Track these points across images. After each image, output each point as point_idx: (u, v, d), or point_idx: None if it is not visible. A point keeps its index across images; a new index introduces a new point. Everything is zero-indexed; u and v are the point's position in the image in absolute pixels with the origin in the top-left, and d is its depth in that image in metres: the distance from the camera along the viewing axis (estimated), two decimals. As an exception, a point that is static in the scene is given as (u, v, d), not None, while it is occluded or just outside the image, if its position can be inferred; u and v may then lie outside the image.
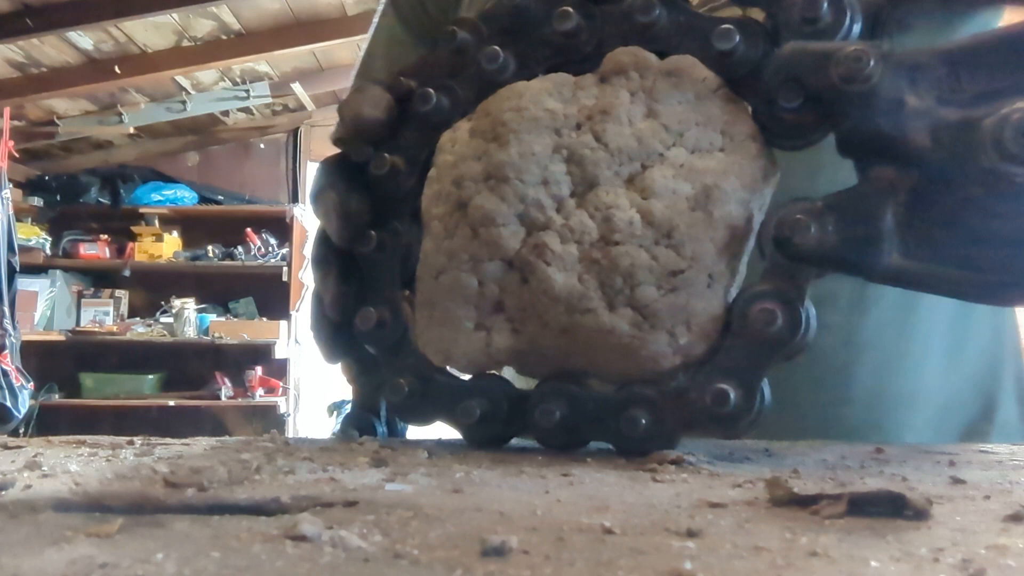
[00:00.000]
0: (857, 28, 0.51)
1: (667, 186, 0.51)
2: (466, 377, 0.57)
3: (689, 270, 0.51)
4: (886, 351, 0.76)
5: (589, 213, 0.52)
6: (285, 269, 5.15)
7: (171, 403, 4.98)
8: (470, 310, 0.54)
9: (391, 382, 0.57)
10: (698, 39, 0.53)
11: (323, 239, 0.61)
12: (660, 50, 0.54)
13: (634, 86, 0.54)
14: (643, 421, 0.50)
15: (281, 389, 5.15)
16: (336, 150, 0.62)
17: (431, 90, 0.58)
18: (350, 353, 0.63)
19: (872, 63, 0.47)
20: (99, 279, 5.33)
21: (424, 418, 0.57)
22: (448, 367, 0.56)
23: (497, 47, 0.56)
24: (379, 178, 0.59)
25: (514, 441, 0.57)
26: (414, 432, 0.65)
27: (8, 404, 4.03)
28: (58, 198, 5.12)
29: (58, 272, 5.13)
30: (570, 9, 0.55)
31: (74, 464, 0.47)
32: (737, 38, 0.51)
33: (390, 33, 0.99)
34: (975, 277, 0.48)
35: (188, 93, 4.82)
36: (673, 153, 0.52)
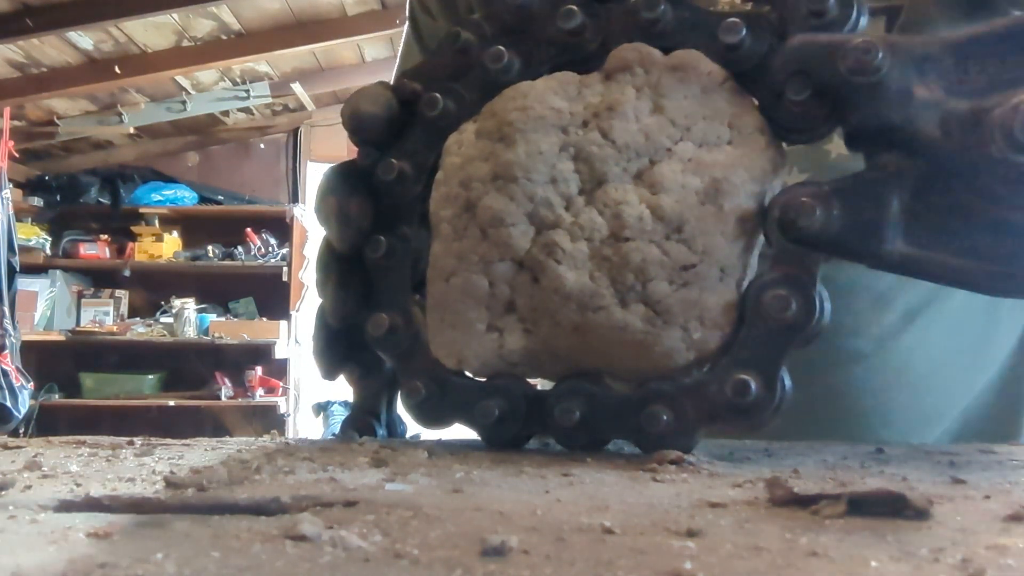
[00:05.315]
0: (864, 20, 0.51)
1: (676, 181, 0.51)
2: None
3: (700, 264, 0.51)
4: (920, 370, 0.77)
5: (598, 210, 0.52)
6: (285, 269, 5.14)
7: (171, 403, 4.97)
8: (481, 312, 0.54)
9: (407, 385, 0.57)
10: (704, 33, 0.53)
11: (326, 246, 0.61)
12: (666, 46, 0.54)
13: (639, 82, 0.53)
14: (664, 417, 0.50)
15: (281, 389, 5.15)
16: (339, 155, 0.62)
17: (437, 94, 0.58)
18: (349, 364, 0.63)
19: (880, 55, 0.47)
20: (99, 279, 5.33)
21: (442, 420, 0.57)
22: (461, 370, 0.56)
23: (501, 47, 0.56)
24: (387, 183, 0.59)
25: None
26: (413, 432, 0.65)
27: (8, 404, 4.03)
28: (58, 198, 5.11)
29: (58, 272, 5.12)
30: (574, 7, 0.55)
31: (74, 464, 0.47)
32: (743, 31, 0.51)
33: (410, 53, 1.00)
34: (982, 267, 0.48)
35: (188, 93, 4.82)
36: (681, 148, 0.52)
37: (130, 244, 5.18)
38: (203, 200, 5.30)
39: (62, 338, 4.97)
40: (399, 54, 1.00)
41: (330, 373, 0.63)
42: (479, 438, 0.56)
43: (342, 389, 4.23)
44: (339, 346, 0.62)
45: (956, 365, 0.79)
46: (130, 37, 4.08)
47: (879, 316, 0.76)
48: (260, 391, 5.05)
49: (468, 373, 0.56)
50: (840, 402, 0.75)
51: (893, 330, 0.76)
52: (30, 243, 4.85)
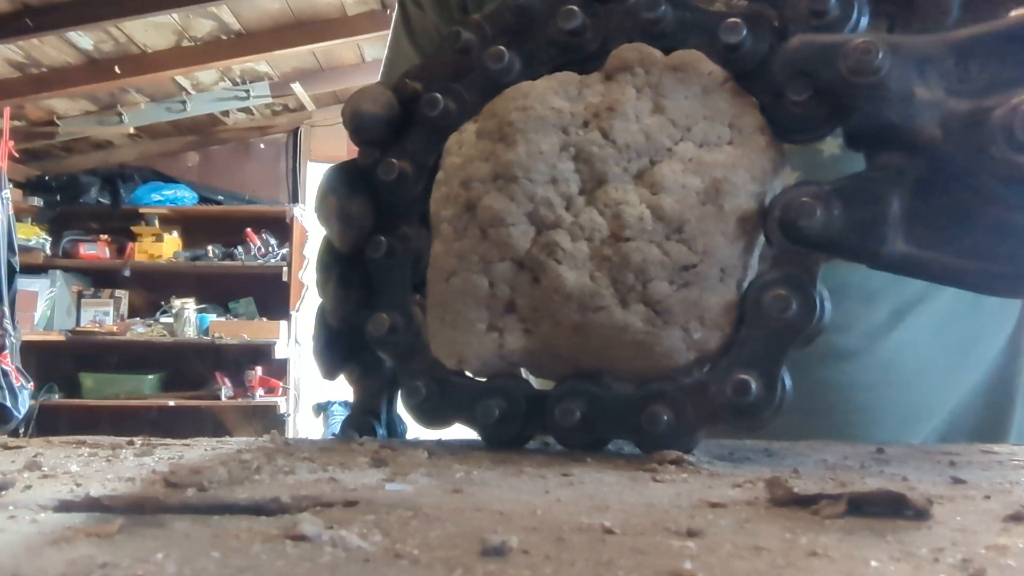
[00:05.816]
0: (865, 20, 0.51)
1: (676, 181, 0.51)
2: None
3: (701, 264, 0.51)
4: (909, 368, 0.78)
5: (599, 210, 0.52)
6: (285, 269, 5.14)
7: (171, 403, 4.97)
8: (482, 311, 0.54)
9: (407, 385, 0.57)
10: (704, 33, 0.53)
11: (327, 246, 0.61)
12: (666, 46, 0.54)
13: (640, 82, 0.53)
14: (664, 417, 0.50)
15: (281, 389, 5.15)
16: (339, 155, 0.62)
17: (438, 94, 0.58)
18: (349, 364, 0.63)
19: (881, 55, 0.47)
20: (99, 279, 5.33)
21: (442, 420, 0.57)
22: (461, 370, 0.56)
23: (502, 47, 0.56)
24: (387, 183, 0.59)
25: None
26: (414, 432, 0.65)
27: (8, 404, 4.03)
28: (58, 198, 5.11)
29: (58, 272, 5.12)
30: (575, 7, 0.55)
31: (74, 464, 0.47)
32: (744, 31, 0.51)
33: (399, 46, 0.99)
34: (982, 267, 0.48)
35: (188, 93, 4.82)
36: (681, 148, 0.52)
37: (130, 244, 5.19)
38: (203, 200, 5.30)
39: (62, 338, 4.97)
40: (387, 47, 0.99)
41: (330, 373, 0.63)
42: (479, 438, 0.56)
43: (342, 389, 4.24)
44: (339, 346, 0.62)
45: (944, 363, 0.80)
46: (130, 37, 4.08)
47: (869, 314, 0.76)
48: (260, 391, 5.05)
49: (468, 373, 0.56)
50: (830, 399, 0.76)
51: (882, 328, 0.77)
52: (30, 243, 4.86)
